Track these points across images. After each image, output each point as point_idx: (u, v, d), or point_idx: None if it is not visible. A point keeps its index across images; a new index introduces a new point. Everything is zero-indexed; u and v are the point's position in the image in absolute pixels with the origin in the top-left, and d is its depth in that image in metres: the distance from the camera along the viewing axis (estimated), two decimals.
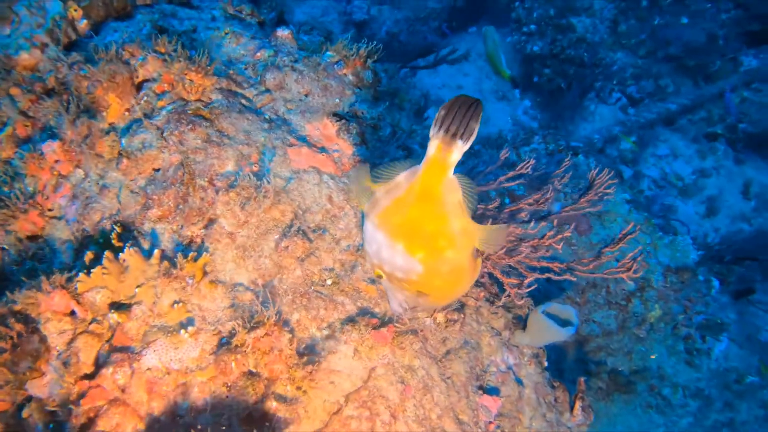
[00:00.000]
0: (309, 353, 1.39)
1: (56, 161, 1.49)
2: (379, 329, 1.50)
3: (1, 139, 1.56)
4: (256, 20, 2.23)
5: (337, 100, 1.93)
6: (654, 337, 3.36)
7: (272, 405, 1.24)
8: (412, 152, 2.12)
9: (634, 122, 5.47)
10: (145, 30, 1.84)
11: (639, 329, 3.28)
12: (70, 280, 1.26)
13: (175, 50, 1.60)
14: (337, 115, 1.88)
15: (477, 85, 7.09)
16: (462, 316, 1.81)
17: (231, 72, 1.81)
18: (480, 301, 2.02)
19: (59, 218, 1.49)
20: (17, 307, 1.25)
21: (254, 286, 1.45)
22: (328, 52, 2.06)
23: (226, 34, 1.97)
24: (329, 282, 1.56)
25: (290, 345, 1.30)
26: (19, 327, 1.20)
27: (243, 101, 1.74)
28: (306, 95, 1.89)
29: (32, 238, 1.48)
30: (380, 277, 1.28)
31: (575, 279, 1.87)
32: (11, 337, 1.18)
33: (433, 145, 1.11)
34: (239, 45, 1.97)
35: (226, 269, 1.45)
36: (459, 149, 1.10)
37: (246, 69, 1.89)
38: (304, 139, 1.75)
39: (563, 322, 2.13)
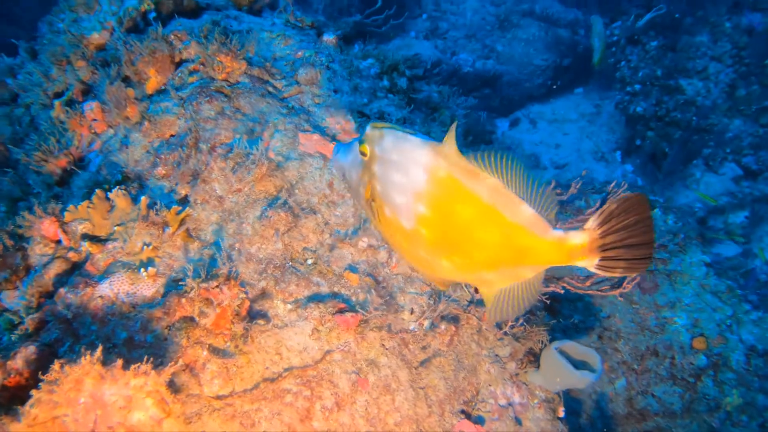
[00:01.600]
0: (261, 318, 1.38)
1: (93, 120, 1.68)
2: (345, 314, 1.45)
3: (62, 101, 1.81)
4: (316, 31, 2.39)
5: (366, 101, 1.98)
6: (732, 431, 2.84)
7: (202, 353, 1.24)
8: None
9: (747, 195, 4.89)
10: (203, 25, 2.06)
11: (711, 416, 2.79)
12: (63, 211, 1.40)
13: (211, 34, 1.76)
14: (363, 114, 1.92)
15: (576, 145, 6.84)
16: (453, 329, 1.69)
17: (267, 64, 1.94)
18: (485, 322, 1.87)
19: (85, 169, 1.67)
20: (19, 230, 1.40)
21: (230, 249, 1.49)
22: (369, 59, 2.14)
23: (278, 36, 2.12)
24: (309, 261, 1.55)
25: (238, 304, 1.30)
26: (8, 243, 1.34)
27: (269, 88, 1.85)
28: (335, 92, 1.97)
29: (60, 183, 1.67)
30: None
31: (562, 291, 1.67)
32: None
33: (579, 237, 0.97)
34: (286, 46, 2.12)
35: (208, 229, 1.51)
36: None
37: (285, 65, 2.01)
38: (320, 129, 1.81)
39: (584, 367, 1.90)
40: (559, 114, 6.99)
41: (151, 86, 1.74)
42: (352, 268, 1.60)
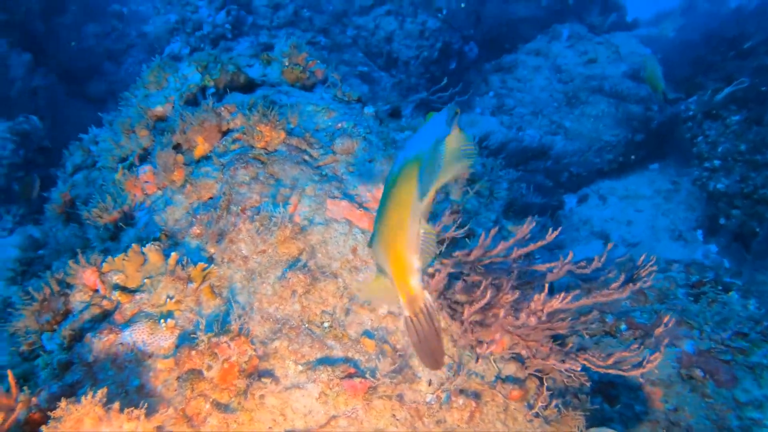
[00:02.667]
0: (269, 377, 1.39)
1: (146, 182, 1.85)
2: (353, 379, 1.43)
3: (124, 166, 2.01)
4: (361, 105, 2.53)
5: None
6: None
7: (204, 406, 1.25)
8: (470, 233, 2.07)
9: None
10: (252, 99, 2.25)
11: None
12: (103, 262, 1.52)
13: (255, 107, 1.92)
14: None
15: (650, 222, 6.50)
16: (473, 404, 1.60)
17: (307, 134, 2.07)
18: (514, 401, 1.75)
19: (133, 226, 1.82)
20: (67, 278, 1.54)
21: (248, 307, 1.53)
22: (407, 131, 2.21)
23: (323, 109, 2.27)
24: (326, 324, 1.56)
25: (245, 360, 1.32)
26: (55, 288, 1.47)
27: (305, 157, 1.96)
28: (370, 162, 2.04)
29: (112, 238, 1.83)
30: None
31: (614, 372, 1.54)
32: (44, 295, 1.45)
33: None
34: (329, 118, 2.25)
35: (231, 286, 1.57)
36: None
37: (325, 135, 2.14)
38: (349, 196, 1.87)
39: None
40: (632, 190, 6.73)
41: (198, 152, 1.90)
42: (369, 334, 1.59)
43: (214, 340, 1.32)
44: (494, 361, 1.79)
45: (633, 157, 7.00)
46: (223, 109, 1.99)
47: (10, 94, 5.51)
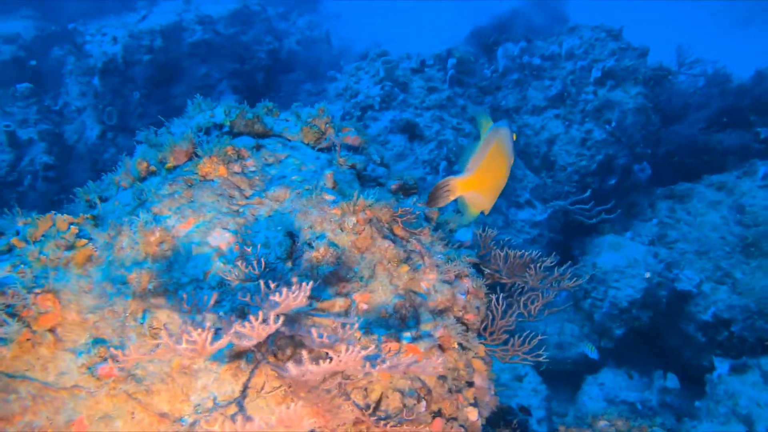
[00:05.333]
0: None
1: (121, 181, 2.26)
2: None
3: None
4: (354, 171, 2.63)
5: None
6: None
7: None
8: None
9: None
10: (251, 143, 2.54)
11: None
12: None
13: (212, 146, 2.20)
14: None
15: None
16: None
17: (256, 178, 2.26)
18: None
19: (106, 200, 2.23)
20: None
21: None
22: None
23: (300, 164, 2.45)
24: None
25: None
26: None
27: (234, 193, 2.14)
28: (289, 212, 2.13)
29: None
30: None
31: None
32: None
33: None
34: (301, 171, 2.41)
35: (98, 264, 1.82)
36: None
37: (270, 181, 2.29)
38: (235, 232, 1.99)
39: None
40: None
41: (168, 167, 2.25)
42: None
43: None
44: None
45: None
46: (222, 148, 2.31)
47: None
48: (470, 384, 2.35)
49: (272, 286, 1.54)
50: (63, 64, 8.32)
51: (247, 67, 8.23)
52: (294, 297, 1.34)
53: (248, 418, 1.19)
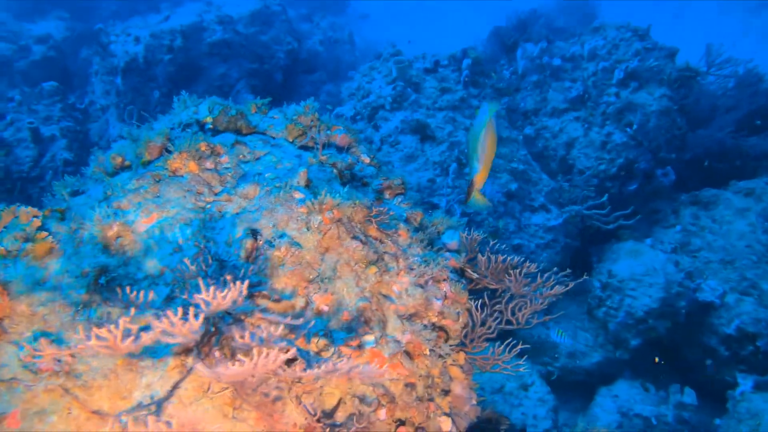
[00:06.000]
0: None
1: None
2: None
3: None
4: (335, 170, 2.58)
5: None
6: None
7: None
8: None
9: None
10: (230, 140, 2.51)
11: None
12: None
13: (183, 142, 2.18)
14: None
15: None
16: None
17: (228, 175, 2.23)
18: None
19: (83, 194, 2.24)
20: None
21: None
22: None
23: (279, 161, 2.41)
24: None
25: None
26: None
27: (202, 189, 2.12)
28: (256, 210, 2.09)
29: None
30: None
31: None
32: None
33: None
34: (278, 169, 2.38)
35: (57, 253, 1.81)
36: None
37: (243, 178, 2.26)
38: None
39: None
40: None
41: (143, 162, 2.25)
42: None
43: None
44: None
45: None
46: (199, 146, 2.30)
47: None
48: (446, 392, 2.26)
49: (210, 283, 1.50)
50: (90, 63, 8.56)
51: (266, 67, 8.28)
52: (223, 296, 1.29)
53: (164, 420, 1.14)
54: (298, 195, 2.15)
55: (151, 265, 1.82)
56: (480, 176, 2.38)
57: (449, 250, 2.67)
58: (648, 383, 5.65)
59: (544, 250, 5.91)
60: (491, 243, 2.60)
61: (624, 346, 5.72)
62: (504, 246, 2.76)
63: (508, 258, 2.37)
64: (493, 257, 2.39)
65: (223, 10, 8.12)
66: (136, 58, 7.47)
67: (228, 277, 1.62)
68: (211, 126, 2.65)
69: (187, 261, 1.70)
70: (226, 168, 2.28)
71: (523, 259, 2.37)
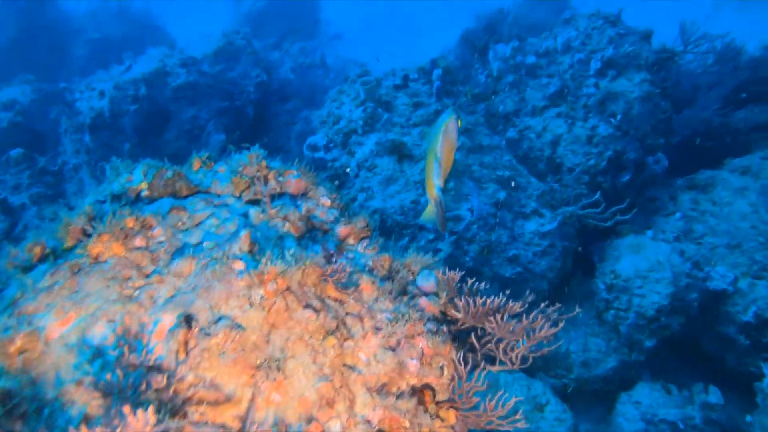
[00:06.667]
0: None
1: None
2: None
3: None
4: (282, 223, 2.34)
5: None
6: None
7: None
8: None
9: None
10: (166, 208, 2.27)
11: None
12: None
13: (104, 222, 1.94)
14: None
15: None
16: None
17: (162, 250, 1.98)
18: None
19: None
20: None
21: None
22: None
23: (215, 221, 2.17)
24: None
25: None
26: None
27: (129, 273, 1.87)
28: (192, 290, 1.84)
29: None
30: None
31: None
32: None
33: None
34: (219, 234, 2.13)
35: None
36: None
37: (189, 250, 2.02)
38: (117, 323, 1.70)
39: None
40: None
41: (65, 247, 2.00)
42: None
43: None
44: None
45: None
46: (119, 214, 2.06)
47: None
48: None
49: (126, 409, 1.25)
50: (59, 123, 8.38)
51: (237, 103, 8.09)
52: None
53: None
54: (238, 265, 1.90)
55: (67, 378, 1.57)
56: (431, 183, 2.36)
57: (425, 294, 2.41)
58: (669, 384, 5.35)
59: (542, 257, 5.64)
60: (469, 282, 2.34)
61: (638, 347, 5.42)
62: (473, 280, 2.49)
63: (488, 300, 2.11)
64: (471, 302, 2.13)
65: (186, 52, 7.95)
66: (101, 113, 7.28)
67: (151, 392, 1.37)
68: (147, 192, 2.41)
69: (108, 376, 1.45)
70: (160, 243, 2.04)
71: (504, 299, 2.11)
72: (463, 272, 2.46)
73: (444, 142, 2.30)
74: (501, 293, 2.23)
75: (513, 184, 5.99)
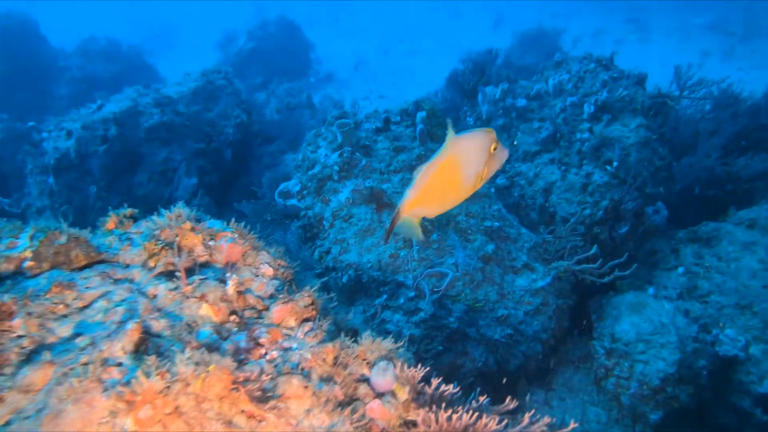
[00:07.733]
0: None
1: None
2: None
3: None
4: (204, 304, 1.85)
5: None
6: None
7: None
8: None
9: None
10: (46, 285, 1.79)
11: None
12: None
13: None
14: None
15: None
16: None
17: (14, 350, 1.48)
18: None
19: None
20: None
21: None
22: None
23: (106, 303, 1.68)
24: None
25: None
26: None
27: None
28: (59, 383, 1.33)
29: None
30: None
31: None
32: None
33: None
34: (104, 324, 1.64)
35: None
36: None
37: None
38: None
39: None
40: None
41: None
42: None
43: None
44: None
45: None
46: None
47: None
48: None
49: None
50: (26, 164, 7.95)
51: (214, 145, 7.69)
52: None
53: None
54: (109, 375, 1.40)
55: None
56: (407, 203, 1.70)
57: (380, 394, 1.90)
58: None
59: (534, 317, 5.12)
60: (435, 383, 1.83)
61: (643, 420, 4.84)
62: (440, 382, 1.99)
63: (455, 416, 1.60)
64: (433, 417, 1.62)
65: (162, 91, 7.60)
66: (67, 154, 6.86)
67: None
68: (30, 263, 1.93)
69: None
70: (18, 337, 1.54)
71: (477, 415, 1.60)
72: (429, 365, 1.97)
73: (456, 158, 1.64)
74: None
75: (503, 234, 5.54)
